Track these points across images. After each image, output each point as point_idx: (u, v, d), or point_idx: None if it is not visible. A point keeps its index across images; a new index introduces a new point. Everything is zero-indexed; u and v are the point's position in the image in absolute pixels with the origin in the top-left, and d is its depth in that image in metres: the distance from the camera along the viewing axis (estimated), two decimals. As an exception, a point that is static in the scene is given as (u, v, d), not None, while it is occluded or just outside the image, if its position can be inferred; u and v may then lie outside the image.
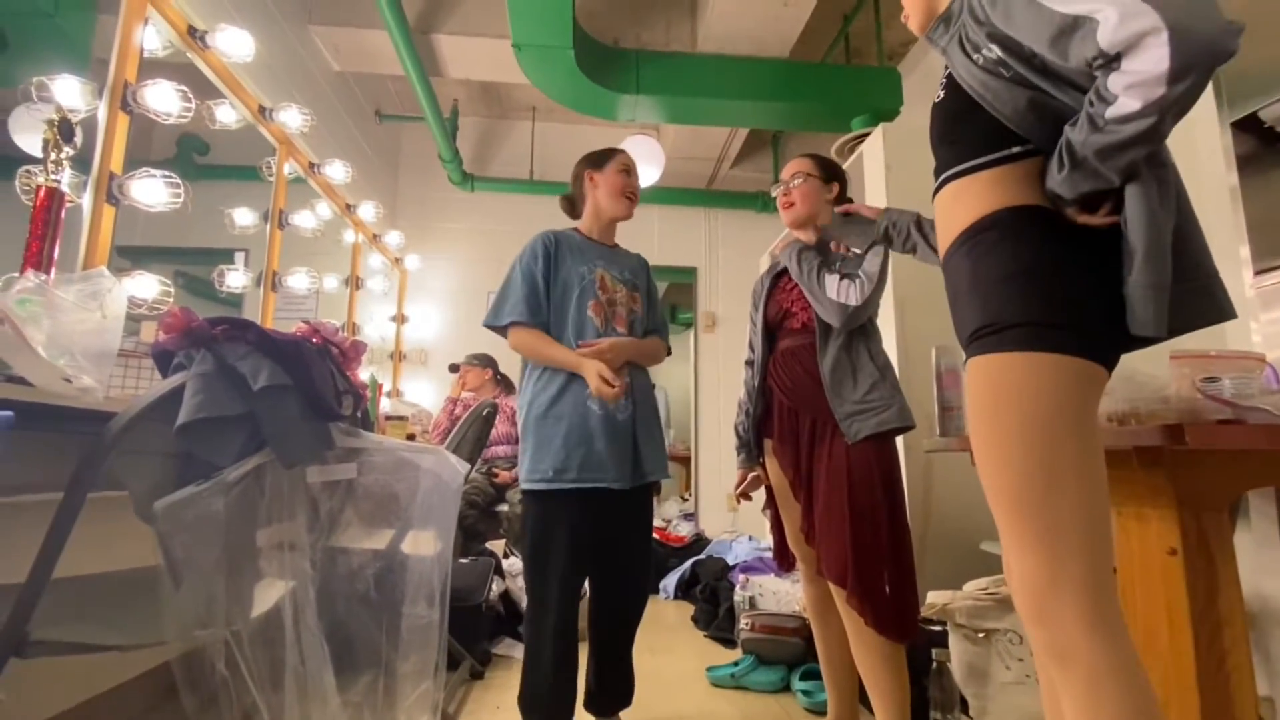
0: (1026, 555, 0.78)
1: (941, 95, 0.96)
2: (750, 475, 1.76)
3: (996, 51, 0.84)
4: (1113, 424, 1.18)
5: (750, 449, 1.75)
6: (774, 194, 1.71)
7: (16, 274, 1.43)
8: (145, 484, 1.00)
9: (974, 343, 0.86)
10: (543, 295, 1.58)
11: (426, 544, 1.41)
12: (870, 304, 1.51)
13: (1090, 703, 0.73)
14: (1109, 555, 0.78)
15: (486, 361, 3.55)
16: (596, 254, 1.65)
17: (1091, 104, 0.75)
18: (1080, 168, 0.78)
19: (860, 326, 1.54)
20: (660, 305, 1.81)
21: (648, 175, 3.91)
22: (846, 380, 1.51)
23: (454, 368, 3.67)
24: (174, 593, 1.05)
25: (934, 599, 1.86)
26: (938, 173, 0.97)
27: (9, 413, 0.55)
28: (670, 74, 3.43)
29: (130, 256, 2.12)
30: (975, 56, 0.87)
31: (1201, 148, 1.69)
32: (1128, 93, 0.70)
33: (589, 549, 1.54)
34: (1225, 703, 1.22)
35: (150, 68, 1.78)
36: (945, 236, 0.95)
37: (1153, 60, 0.67)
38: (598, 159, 1.72)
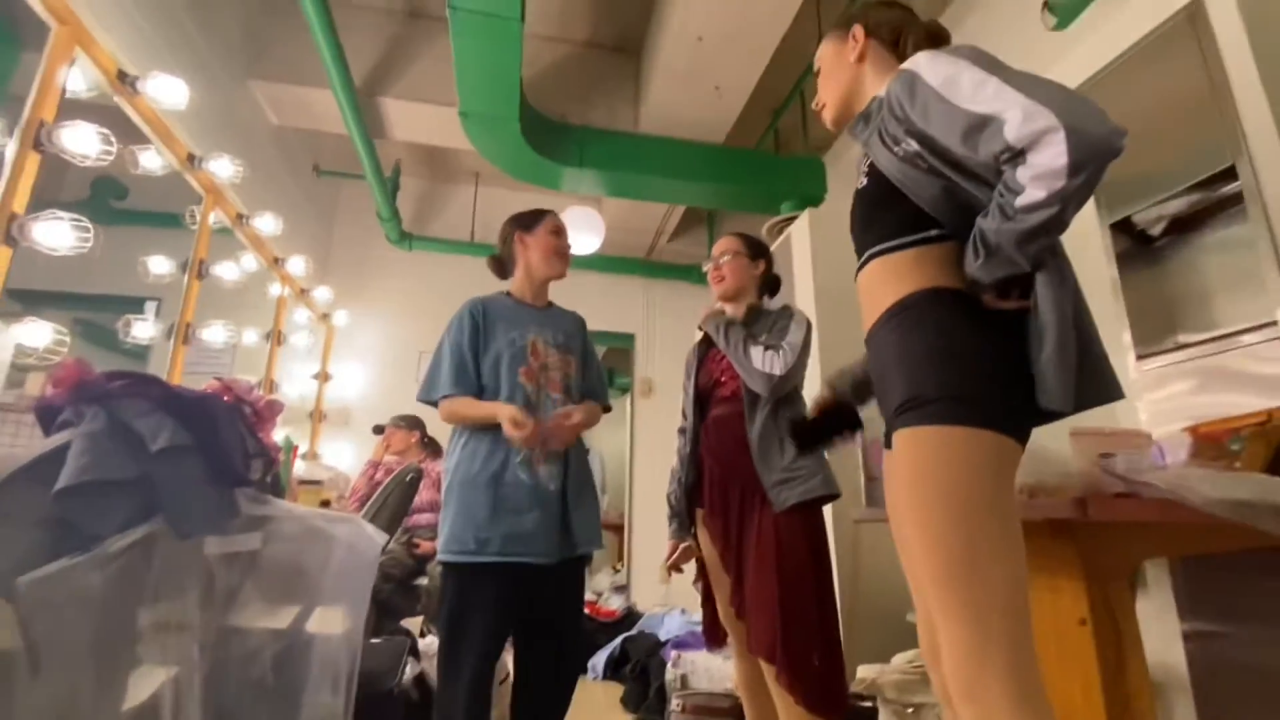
0: (953, 630, 0.79)
1: (865, 182, 1.01)
2: (681, 546, 1.74)
3: (914, 145, 0.91)
4: (1022, 496, 1.25)
5: (682, 519, 1.73)
6: (705, 269, 1.78)
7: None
8: (11, 555, 0.88)
9: (898, 416, 0.88)
10: (471, 368, 1.56)
11: (335, 622, 1.29)
12: (794, 373, 1.56)
13: None
14: (1030, 628, 0.80)
15: (414, 424, 3.42)
16: (528, 319, 1.64)
17: (1001, 195, 0.81)
18: (995, 255, 0.84)
19: (786, 395, 1.59)
20: (598, 365, 1.79)
21: (588, 244, 3.99)
22: (773, 448, 1.54)
23: (379, 429, 3.51)
24: (29, 682, 0.91)
25: (863, 673, 1.85)
26: (860, 253, 1.02)
27: None
28: (613, 151, 3.58)
29: (23, 300, 1.94)
30: (895, 149, 0.94)
31: (1087, 246, 1.89)
32: (1033, 184, 0.77)
33: (511, 629, 1.46)
34: (1138, 774, 1.25)
35: (72, 108, 1.71)
36: (870, 313, 1.00)
37: (1052, 155, 0.75)
38: (527, 220, 1.72)
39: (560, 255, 1.70)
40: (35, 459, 0.86)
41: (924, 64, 0.90)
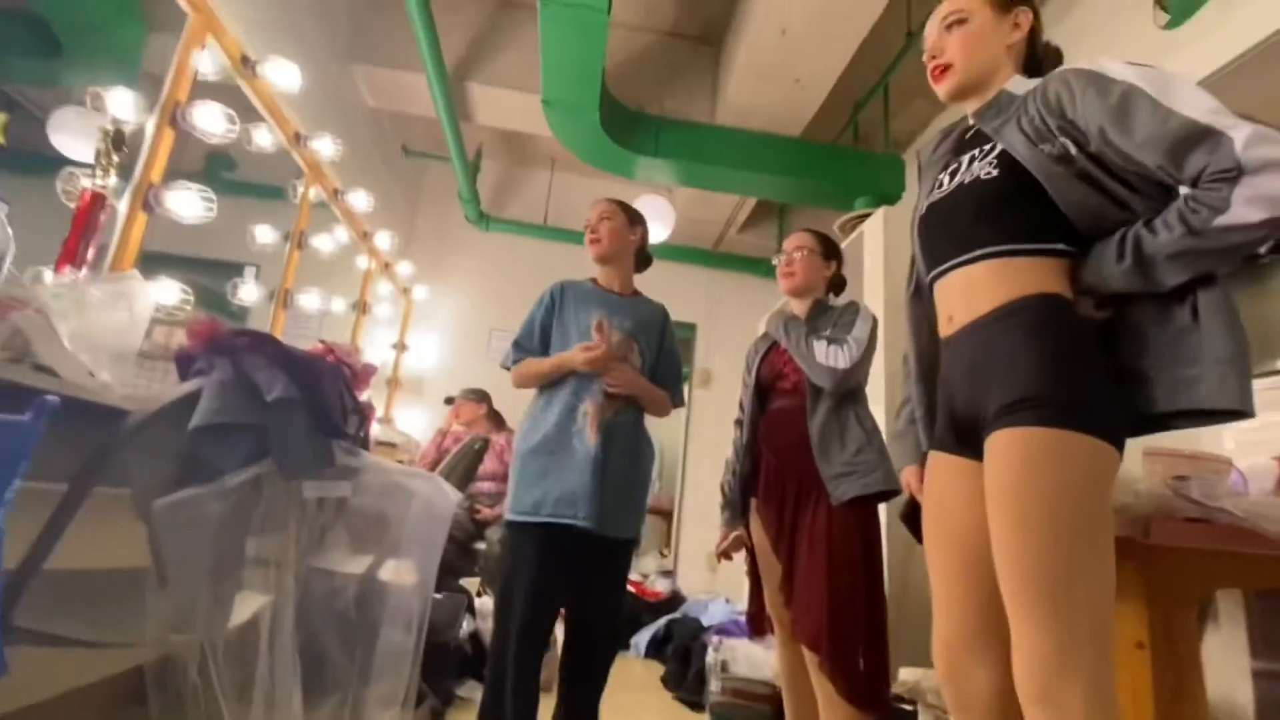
0: (1040, 635, 0.78)
1: (994, 174, 0.96)
2: (733, 535, 1.78)
3: (1069, 147, 0.89)
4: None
5: (735, 508, 1.77)
6: (775, 262, 1.80)
7: (46, 268, 1.48)
8: (148, 482, 1.02)
9: (1008, 414, 0.86)
10: (538, 335, 1.67)
11: (409, 570, 1.42)
12: (859, 369, 1.57)
13: None
14: (1113, 646, 0.80)
15: (481, 397, 3.59)
16: (600, 302, 1.71)
17: (1192, 209, 0.80)
18: (1143, 265, 0.84)
19: (850, 391, 1.60)
20: (676, 360, 1.80)
21: (657, 233, 4.04)
22: (834, 443, 1.56)
23: (449, 400, 3.71)
24: (158, 593, 1.06)
25: (905, 676, 1.85)
26: (963, 245, 0.97)
27: (54, 397, 0.59)
28: (688, 141, 3.60)
29: (142, 261, 2.18)
30: (1043, 146, 0.90)
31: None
32: (1249, 205, 0.76)
33: (561, 592, 1.55)
34: (1189, 804, 1.22)
35: (199, 89, 1.89)
36: (971, 306, 0.96)
37: None
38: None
39: (590, 242, 1.74)
40: (174, 400, 0.99)
41: (1120, 68, 0.88)
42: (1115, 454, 0.83)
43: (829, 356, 1.56)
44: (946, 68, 1.05)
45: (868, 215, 2.99)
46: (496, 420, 3.59)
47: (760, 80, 3.27)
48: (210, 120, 1.81)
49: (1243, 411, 0.82)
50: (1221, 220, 0.78)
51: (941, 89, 1.07)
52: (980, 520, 0.90)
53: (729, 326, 4.94)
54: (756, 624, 1.76)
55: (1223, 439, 1.70)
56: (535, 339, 1.68)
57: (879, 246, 2.69)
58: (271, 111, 2.33)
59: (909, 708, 1.78)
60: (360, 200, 3.08)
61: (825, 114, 3.53)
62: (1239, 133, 0.77)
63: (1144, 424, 0.90)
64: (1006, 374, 0.88)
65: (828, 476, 1.52)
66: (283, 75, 2.21)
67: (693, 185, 3.90)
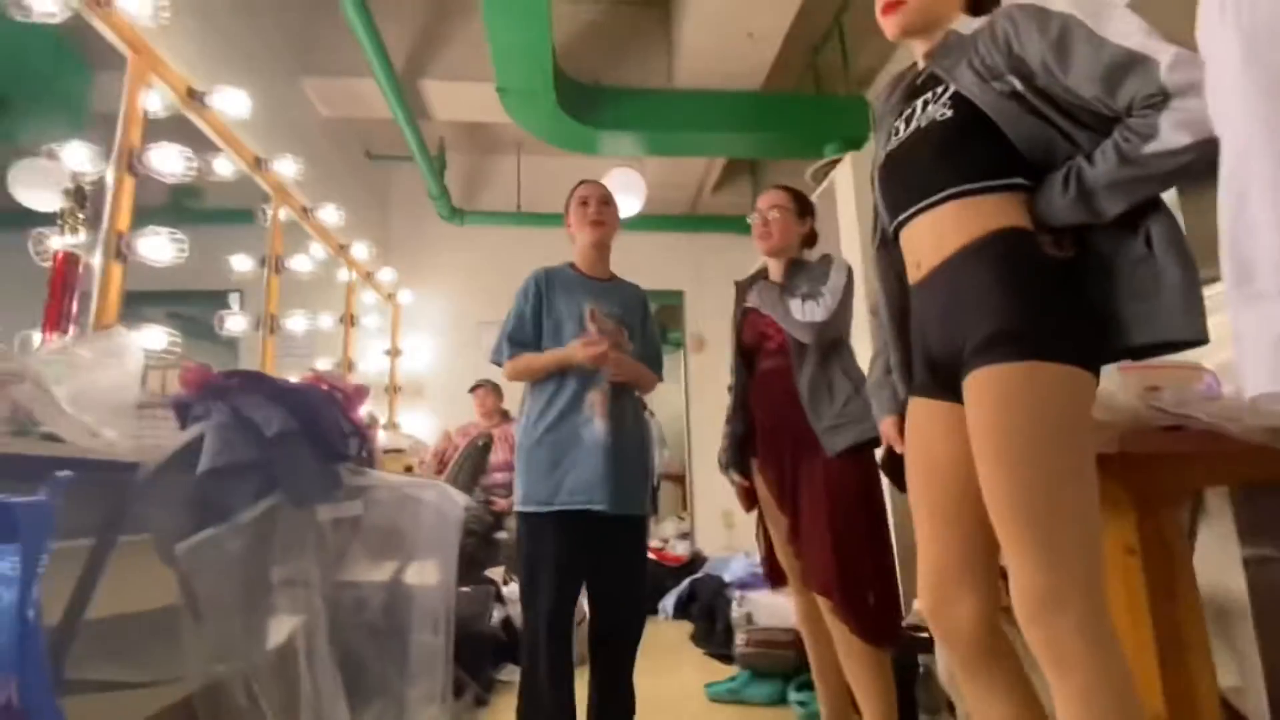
0: (1029, 564, 0.80)
1: (950, 115, 0.96)
2: (743, 487, 1.84)
3: (1016, 84, 0.90)
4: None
5: (736, 468, 1.83)
6: (750, 220, 1.80)
7: (33, 331, 1.51)
8: (168, 528, 1.07)
9: (986, 350, 0.87)
10: (530, 327, 1.68)
11: (429, 574, 1.48)
12: (837, 319, 1.60)
13: (1083, 711, 0.77)
14: (1102, 565, 0.84)
15: (497, 388, 3.78)
16: (588, 289, 1.73)
17: (1125, 139, 0.81)
18: (1084, 198, 0.85)
19: (833, 345, 1.63)
20: (656, 341, 1.85)
21: (630, 206, 4.03)
22: (823, 397, 1.60)
23: (475, 387, 3.86)
24: (195, 630, 1.11)
25: (919, 606, 1.93)
26: (925, 189, 0.98)
27: (69, 473, 0.62)
28: (648, 109, 3.57)
29: (125, 302, 2.19)
30: (994, 84, 0.91)
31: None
32: (1176, 129, 0.77)
33: (583, 570, 1.61)
34: (1189, 694, 1.30)
35: (150, 126, 1.88)
36: (938, 248, 0.96)
37: (1205, 105, 0.75)
38: (567, 198, 1.83)
39: (591, 224, 1.75)
40: (179, 449, 1.04)
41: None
42: (1091, 378, 0.86)
43: (805, 312, 1.59)
44: (896, 4, 1.03)
45: (837, 162, 2.99)
46: (506, 412, 3.69)
47: (712, 37, 3.23)
48: (167, 162, 1.81)
49: (1199, 340, 0.84)
50: (1151, 147, 0.79)
51: (889, 24, 1.05)
52: (960, 454, 0.93)
53: (717, 289, 4.93)
54: (771, 575, 1.83)
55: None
56: (528, 331, 1.69)
57: (850, 192, 2.70)
58: (227, 140, 2.32)
59: (924, 634, 1.86)
60: (331, 214, 3.08)
61: (783, 64, 3.50)
62: (1164, 56, 0.78)
63: (1115, 356, 0.92)
64: (977, 312, 0.89)
65: (820, 430, 1.57)
66: (232, 103, 2.19)
67: (658, 154, 3.88)
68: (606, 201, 1.79)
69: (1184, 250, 0.84)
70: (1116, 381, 1.31)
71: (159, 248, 1.74)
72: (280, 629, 1.27)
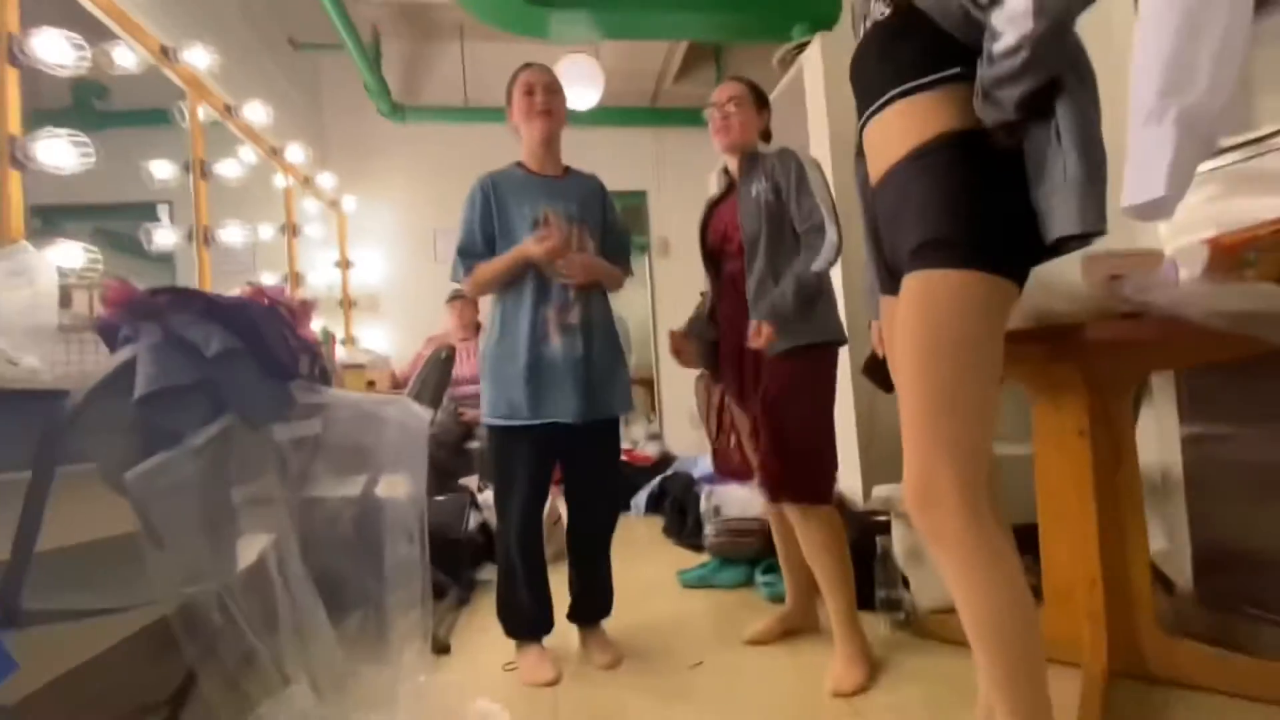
0: (916, 458, 0.88)
1: (887, 12, 0.97)
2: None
3: None
4: (1030, 323, 1.29)
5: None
6: (706, 115, 1.70)
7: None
8: (112, 457, 1.01)
9: (916, 255, 0.91)
10: (480, 239, 1.61)
11: (400, 487, 1.47)
12: (842, 239, 1.51)
13: (964, 589, 0.86)
14: (984, 461, 0.89)
15: (474, 300, 3.58)
16: (539, 190, 1.64)
17: (988, 39, 0.81)
18: (988, 99, 0.84)
19: (783, 243, 1.57)
20: (621, 231, 1.79)
21: (586, 98, 3.78)
22: (767, 294, 1.56)
23: (452, 298, 3.62)
24: (157, 555, 1.09)
25: (878, 492, 2.03)
26: (875, 92, 0.99)
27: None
28: (602, -15, 3.26)
29: (42, 216, 1.99)
30: None
31: (1113, 37, 1.74)
32: (1008, 27, 0.77)
33: (551, 475, 1.64)
34: (1122, 560, 1.41)
35: (34, 13, 1.63)
36: (884, 156, 0.99)
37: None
38: (509, 85, 1.67)
39: (538, 114, 1.63)
40: (108, 374, 0.96)
41: None
42: (1010, 286, 0.89)
43: (822, 260, 1.49)
44: None
45: (805, 45, 2.81)
46: (480, 325, 3.59)
47: (671, -100, 2.91)
48: (54, 50, 1.58)
49: (1095, 232, 0.84)
50: (999, 46, 0.79)
51: None
52: None
53: (681, 187, 4.79)
54: (720, 467, 1.90)
55: (1158, 225, 1.75)
56: (479, 243, 1.61)
57: (819, 78, 2.56)
58: (124, 25, 2.04)
59: (884, 518, 1.96)
60: (257, 112, 2.81)
61: (748, -69, 3.19)
62: None
63: (1039, 257, 0.92)
64: (913, 219, 0.93)
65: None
66: (122, -23, 1.91)
67: (615, 36, 3.59)
68: (553, 89, 1.65)
69: (1084, 139, 0.83)
70: (1079, 271, 1.31)
71: (60, 152, 1.56)
72: (250, 549, 1.26)
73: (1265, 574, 1.46)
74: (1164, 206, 0.90)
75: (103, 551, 1.28)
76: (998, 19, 0.78)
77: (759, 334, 1.49)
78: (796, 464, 1.53)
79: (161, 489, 1.05)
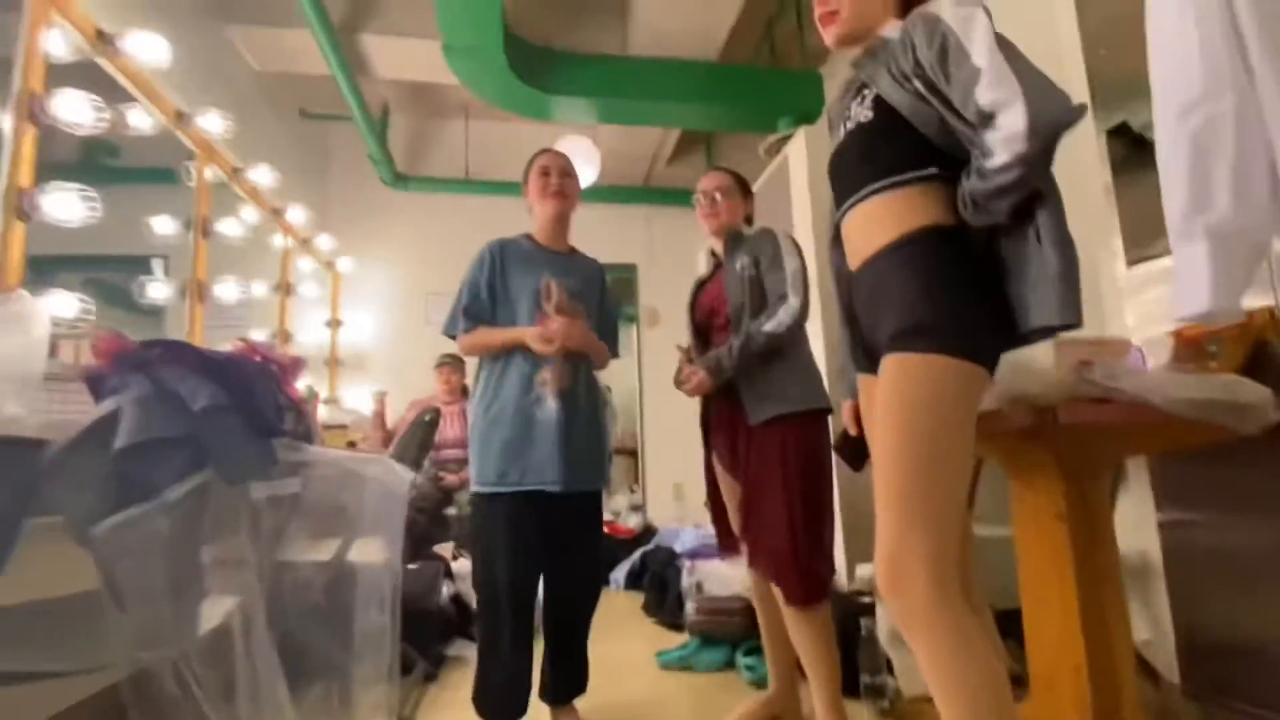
0: (888, 536, 0.89)
1: (870, 117, 1.03)
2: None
3: (919, 87, 0.96)
4: (1003, 407, 1.33)
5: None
6: (694, 200, 1.80)
7: (-80, 297, 1.36)
8: (81, 510, 0.99)
9: (895, 339, 0.95)
10: (485, 300, 1.64)
11: (374, 551, 1.43)
12: (806, 308, 1.58)
13: (933, 669, 0.86)
14: (953, 543, 0.90)
15: (461, 365, 3.57)
16: (545, 262, 1.69)
17: (978, 157, 0.87)
18: (979, 209, 0.91)
19: (763, 312, 1.62)
20: (614, 316, 1.84)
21: (585, 176, 3.94)
22: (755, 368, 1.60)
23: (441, 363, 3.61)
24: (118, 616, 1.04)
25: (862, 572, 2.01)
26: (856, 185, 1.05)
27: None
28: (602, 75, 3.48)
29: (35, 267, 2.01)
30: (906, 85, 0.98)
31: (1080, 152, 1.88)
32: (1000, 148, 0.83)
33: (538, 547, 1.60)
34: (1107, 647, 1.39)
35: (57, 73, 1.71)
36: (863, 246, 1.05)
37: (1013, 119, 0.81)
38: (528, 164, 1.77)
39: (552, 195, 1.71)
40: (91, 424, 0.95)
41: (948, 7, 0.93)
42: (982, 373, 0.93)
43: (776, 323, 1.56)
44: (834, 14, 1.09)
45: (790, 136, 2.99)
46: (466, 388, 3.58)
47: (668, 3, 3.15)
48: (74, 110, 1.65)
49: (1073, 324, 0.90)
50: (990, 163, 0.85)
51: (829, 34, 1.12)
52: None
53: (671, 262, 4.93)
54: (724, 544, 1.86)
55: (1125, 316, 1.83)
56: (484, 305, 1.64)
57: (803, 167, 2.71)
58: (144, 90, 2.14)
59: (868, 599, 1.93)
60: (264, 175, 2.90)
61: (739, 36, 3.45)
62: (985, 71, 0.84)
63: (1013, 343, 0.98)
64: (892, 305, 0.97)
65: (748, 400, 1.59)
66: (148, 49, 2.02)
67: (612, 121, 3.80)
68: (568, 173, 1.75)
69: (1062, 240, 0.89)
70: (1051, 356, 1.36)
71: (67, 205, 1.59)
72: (214, 612, 1.21)
73: (1251, 665, 1.44)
74: (1213, 317, 0.95)
75: (57, 611, 1.22)
76: (991, 139, 0.83)
77: (694, 375, 1.59)
78: (789, 561, 1.50)
79: (130, 545, 1.02)
